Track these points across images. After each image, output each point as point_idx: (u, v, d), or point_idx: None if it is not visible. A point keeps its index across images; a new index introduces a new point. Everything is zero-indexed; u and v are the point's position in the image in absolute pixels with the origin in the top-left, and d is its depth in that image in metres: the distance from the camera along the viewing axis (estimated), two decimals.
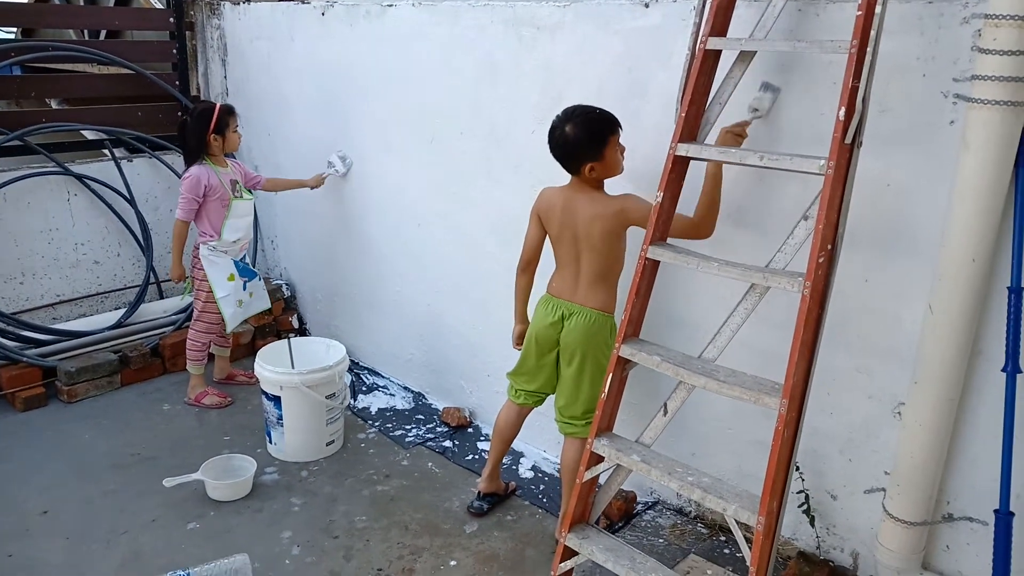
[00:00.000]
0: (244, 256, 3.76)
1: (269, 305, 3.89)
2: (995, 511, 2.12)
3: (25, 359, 3.75)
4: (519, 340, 2.91)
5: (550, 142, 2.57)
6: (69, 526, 2.87)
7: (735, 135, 2.38)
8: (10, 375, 3.71)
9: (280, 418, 3.25)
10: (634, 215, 2.54)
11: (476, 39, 3.22)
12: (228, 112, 3.57)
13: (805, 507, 2.57)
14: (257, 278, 3.80)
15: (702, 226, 2.47)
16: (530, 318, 2.86)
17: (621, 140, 2.56)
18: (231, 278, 3.62)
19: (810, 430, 2.46)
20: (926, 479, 2.24)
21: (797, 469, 2.55)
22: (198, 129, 3.50)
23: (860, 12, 1.99)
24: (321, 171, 3.98)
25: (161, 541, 2.80)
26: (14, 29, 5.66)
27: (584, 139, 2.50)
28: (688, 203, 2.46)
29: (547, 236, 2.75)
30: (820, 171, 2.05)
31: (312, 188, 3.96)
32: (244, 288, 3.71)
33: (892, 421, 2.36)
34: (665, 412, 2.40)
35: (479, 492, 3.02)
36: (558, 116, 2.56)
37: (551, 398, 2.85)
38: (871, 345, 2.38)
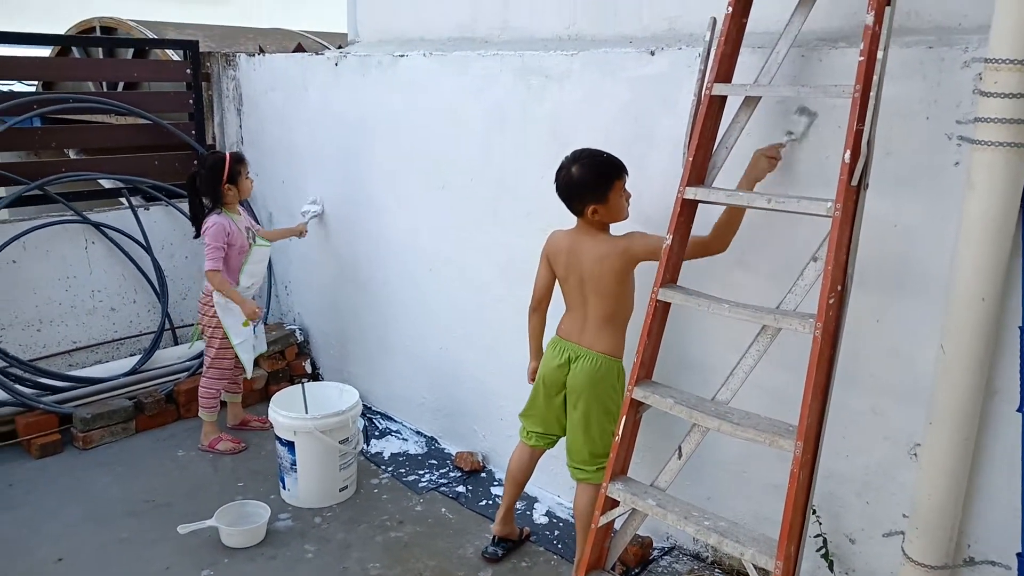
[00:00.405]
0: (253, 298, 3.78)
1: (265, 348, 3.93)
2: (1017, 554, 2.09)
3: (41, 406, 3.78)
4: (533, 375, 2.93)
5: (556, 182, 2.62)
6: (84, 574, 2.87)
7: (769, 158, 2.39)
8: (27, 422, 3.73)
9: (294, 463, 3.25)
10: (640, 250, 2.56)
11: (485, 88, 3.29)
12: (238, 160, 3.62)
13: (823, 551, 2.53)
14: (259, 323, 3.86)
15: (714, 243, 2.47)
16: None
17: (627, 186, 2.59)
18: (245, 323, 3.65)
19: (826, 472, 2.44)
20: (945, 521, 2.22)
21: (814, 512, 2.53)
22: (212, 180, 3.54)
23: (862, 58, 2.04)
24: (304, 218, 4.15)
25: None
26: (35, 82, 5.82)
27: (589, 181, 2.55)
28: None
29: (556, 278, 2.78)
30: (828, 213, 2.08)
31: (299, 237, 4.06)
32: (255, 332, 3.76)
33: (909, 462, 2.35)
34: (679, 455, 2.39)
35: (493, 537, 3.00)
36: (566, 157, 2.61)
37: (563, 441, 2.84)
38: (885, 386, 2.38)
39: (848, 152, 2.04)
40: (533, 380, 2.93)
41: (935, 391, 2.18)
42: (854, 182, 2.06)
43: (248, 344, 3.68)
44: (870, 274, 2.30)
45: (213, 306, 3.61)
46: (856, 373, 2.40)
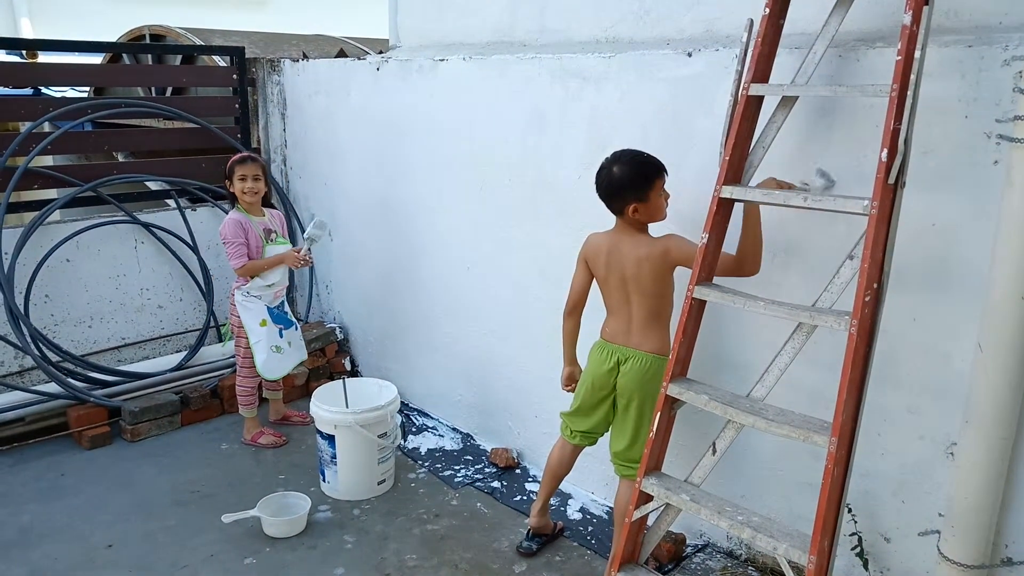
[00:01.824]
0: (282, 304, 3.81)
1: (305, 356, 3.93)
2: None
3: (92, 399, 3.92)
4: (568, 382, 2.96)
5: (597, 182, 2.66)
6: (133, 560, 2.97)
7: (779, 184, 2.45)
8: (78, 414, 3.87)
9: (334, 456, 3.33)
10: (678, 255, 2.60)
11: (524, 90, 3.35)
12: (237, 161, 3.64)
13: (858, 549, 2.54)
14: (295, 328, 3.85)
15: (746, 263, 2.51)
16: (580, 362, 2.91)
17: (666, 187, 2.63)
18: (263, 323, 3.68)
19: (861, 471, 2.45)
20: (982, 521, 2.21)
21: (849, 511, 2.53)
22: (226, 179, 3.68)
23: (900, 57, 2.05)
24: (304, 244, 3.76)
25: (219, 575, 2.88)
26: (87, 88, 6.02)
27: (630, 179, 2.59)
28: (731, 243, 2.51)
29: (594, 280, 2.81)
30: (864, 211, 2.09)
31: (301, 266, 3.71)
32: (281, 336, 3.75)
33: (945, 461, 2.34)
34: (714, 452, 2.42)
35: (528, 531, 3.04)
36: (607, 158, 2.65)
37: (604, 439, 2.87)
38: (921, 385, 2.38)
39: (885, 151, 2.06)
40: (568, 386, 2.96)
41: (972, 390, 2.18)
42: (891, 180, 2.07)
43: (263, 344, 3.67)
44: (907, 272, 2.30)
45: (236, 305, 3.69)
46: (892, 372, 2.40)
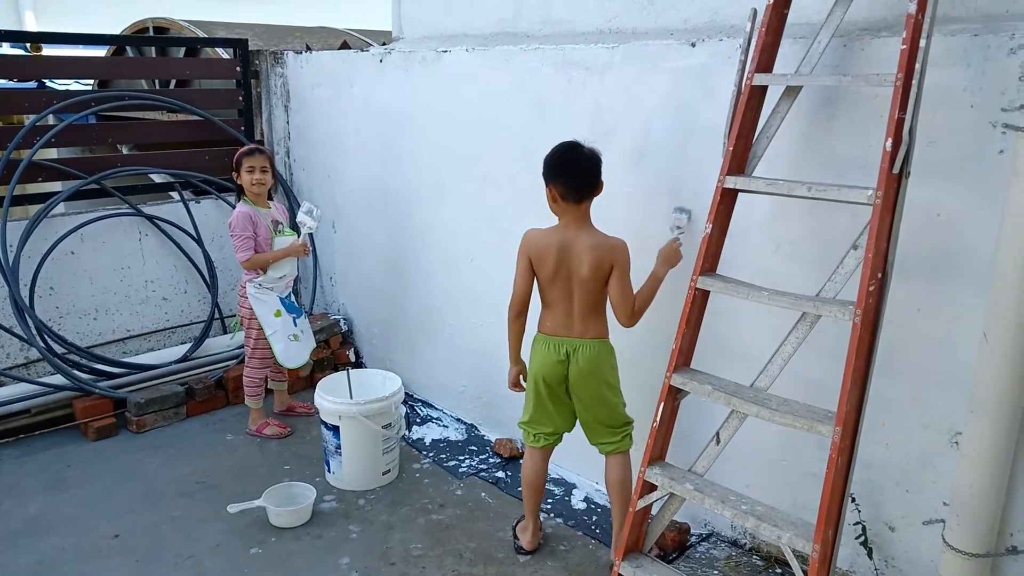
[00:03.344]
0: (289, 294, 3.84)
1: (314, 345, 3.95)
2: None
3: (97, 391, 3.93)
4: (516, 381, 2.94)
5: (574, 165, 2.64)
6: (139, 550, 2.99)
7: (675, 250, 2.71)
8: (83, 406, 3.89)
9: (339, 447, 3.34)
10: (621, 257, 2.64)
11: (527, 81, 3.34)
12: (245, 153, 3.67)
13: (862, 539, 2.54)
14: (304, 316, 3.89)
15: (623, 314, 2.66)
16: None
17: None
18: (277, 314, 3.71)
19: (865, 461, 2.45)
20: (987, 509, 2.21)
21: (853, 500, 2.53)
22: (232, 170, 3.69)
23: (904, 46, 2.05)
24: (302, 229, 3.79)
25: (225, 565, 2.89)
26: (91, 81, 6.02)
27: (599, 160, 2.65)
28: (739, 234, 2.51)
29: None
30: (868, 201, 2.09)
31: (301, 255, 3.78)
32: (295, 324, 3.80)
33: (950, 451, 2.34)
34: (718, 441, 2.43)
35: (521, 547, 2.98)
36: (566, 145, 2.68)
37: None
38: (926, 374, 2.38)
39: (889, 140, 2.05)
40: (515, 386, 2.95)
41: (977, 379, 2.17)
42: (895, 170, 2.07)
43: (280, 334, 3.71)
44: (912, 262, 2.30)
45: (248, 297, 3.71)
46: (896, 362, 2.40)
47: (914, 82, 2.04)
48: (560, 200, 2.67)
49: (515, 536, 3.02)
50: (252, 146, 3.74)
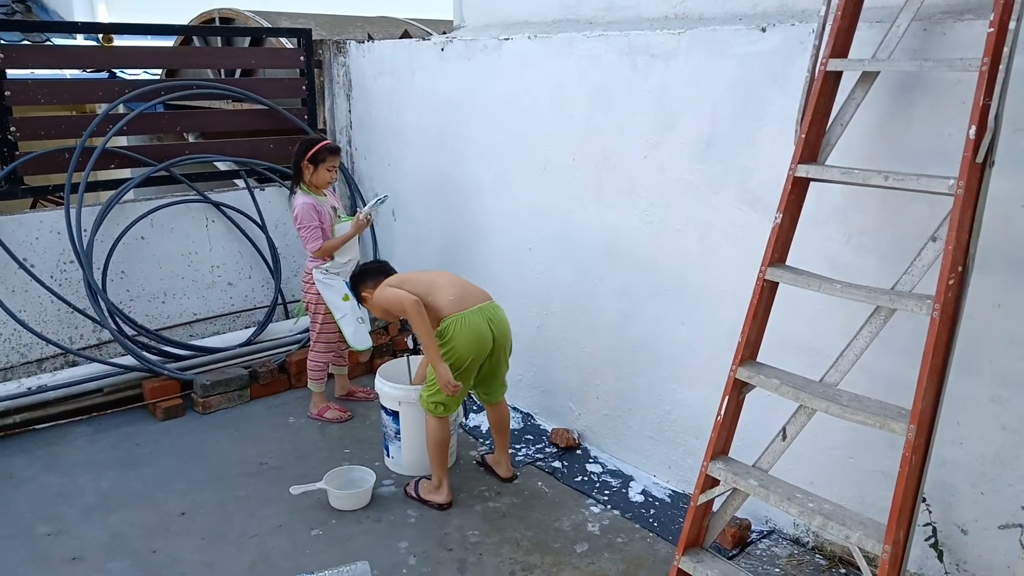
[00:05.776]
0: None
1: (371, 326, 4.02)
2: None
3: (166, 372, 4.05)
4: (453, 383, 3.02)
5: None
6: (204, 528, 3.07)
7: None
8: (152, 387, 4.01)
9: (398, 432, 3.38)
10: None
11: (590, 68, 3.31)
12: (330, 150, 3.67)
13: (933, 541, 2.46)
14: None
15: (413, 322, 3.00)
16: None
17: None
18: (345, 298, 3.77)
19: (939, 461, 2.37)
20: None
21: (924, 501, 2.45)
22: (298, 155, 3.67)
23: (992, 29, 1.96)
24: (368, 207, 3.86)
25: (287, 545, 2.95)
26: (158, 70, 6.18)
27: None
28: (809, 224, 2.44)
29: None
30: (949, 191, 2.01)
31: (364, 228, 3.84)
32: (360, 307, 3.82)
33: None
34: (784, 437, 2.37)
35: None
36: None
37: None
38: (1005, 373, 2.28)
39: (973, 127, 1.97)
40: (454, 390, 3.03)
41: None
42: (979, 159, 1.98)
43: (350, 318, 3.78)
44: (993, 256, 2.21)
45: (314, 283, 3.76)
46: (974, 359, 2.31)
47: (1001, 67, 1.95)
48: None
49: (424, 500, 3.21)
50: (334, 144, 3.76)
